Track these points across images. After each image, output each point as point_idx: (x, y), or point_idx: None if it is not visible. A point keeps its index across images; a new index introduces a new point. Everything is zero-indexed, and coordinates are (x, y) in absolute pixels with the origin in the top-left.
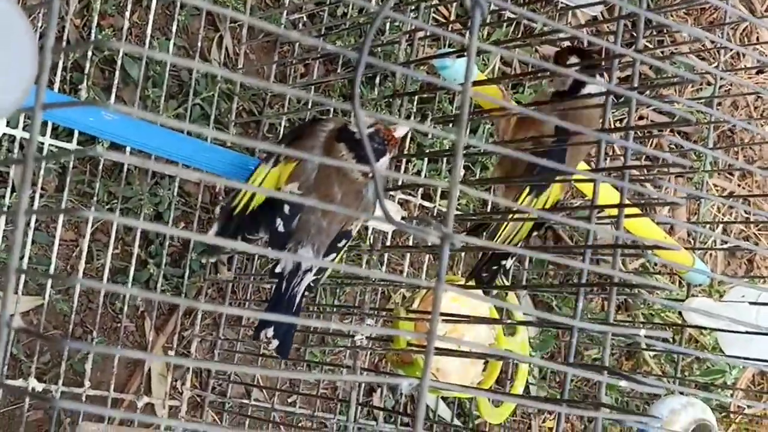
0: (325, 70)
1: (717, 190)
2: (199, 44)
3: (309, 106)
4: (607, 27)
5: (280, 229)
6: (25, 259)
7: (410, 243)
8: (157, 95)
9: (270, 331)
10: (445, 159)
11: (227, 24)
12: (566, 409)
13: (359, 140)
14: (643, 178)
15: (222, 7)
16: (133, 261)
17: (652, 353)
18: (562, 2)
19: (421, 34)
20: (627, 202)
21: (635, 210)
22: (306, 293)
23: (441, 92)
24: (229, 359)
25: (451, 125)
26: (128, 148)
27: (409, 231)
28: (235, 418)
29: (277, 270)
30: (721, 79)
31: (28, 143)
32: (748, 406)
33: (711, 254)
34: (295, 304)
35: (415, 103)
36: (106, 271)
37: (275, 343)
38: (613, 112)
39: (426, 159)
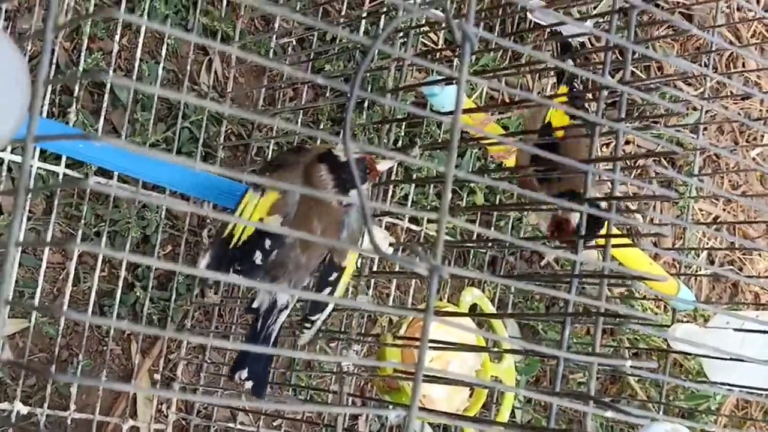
0: (314, 94)
1: (702, 215)
2: (189, 68)
3: (297, 131)
4: (595, 56)
5: (258, 262)
6: (12, 282)
7: (398, 268)
8: (145, 118)
9: (244, 373)
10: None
11: (216, 49)
12: None
13: (341, 164)
14: (628, 207)
15: (212, 29)
16: (120, 284)
17: (636, 378)
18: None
19: (409, 60)
20: (614, 231)
21: (622, 239)
22: (293, 330)
23: (429, 118)
24: (215, 383)
25: (439, 151)
26: (116, 174)
27: (397, 262)
28: None
29: (254, 305)
30: (706, 105)
31: (20, 174)
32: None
33: (696, 278)
34: (270, 343)
35: (404, 127)
36: (93, 294)
37: (249, 384)
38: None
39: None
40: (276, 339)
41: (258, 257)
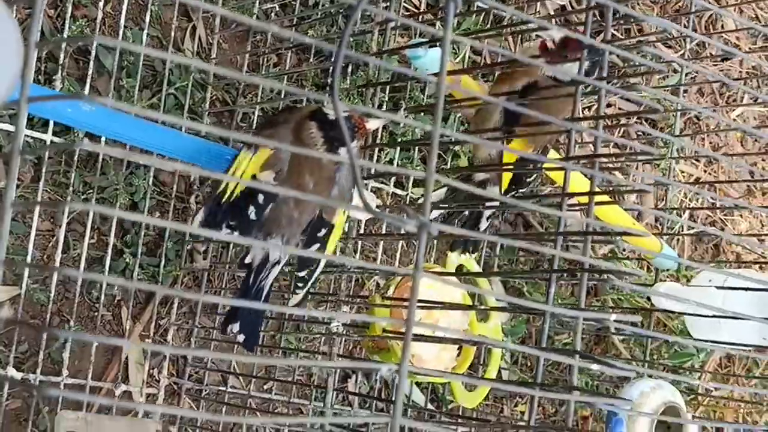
0: (297, 60)
1: (684, 176)
2: (173, 34)
3: (282, 96)
4: (576, 17)
5: (252, 217)
6: (4, 244)
7: (384, 231)
8: (131, 85)
9: (236, 326)
10: (417, 147)
11: (200, 14)
12: (540, 392)
13: (330, 121)
14: (611, 166)
15: None
16: (109, 251)
17: (621, 337)
18: None
19: (393, 23)
20: (597, 189)
21: (605, 197)
22: (286, 285)
23: (413, 81)
24: (206, 347)
25: (423, 114)
26: (104, 139)
27: (387, 220)
28: (211, 405)
29: (247, 260)
30: (687, 66)
31: (14, 136)
32: (716, 389)
33: (678, 239)
34: (263, 296)
35: (388, 91)
36: (83, 260)
37: (241, 337)
38: (582, 100)
39: (399, 147)
40: (268, 293)
41: (252, 212)
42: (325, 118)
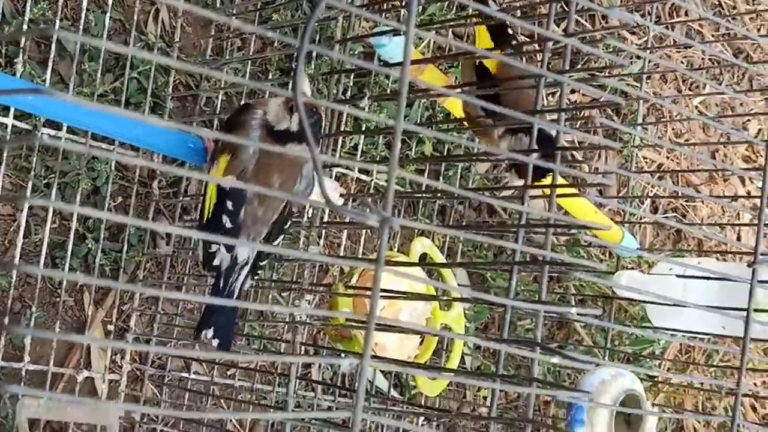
0: (262, 44)
1: (647, 163)
2: (135, 17)
3: (246, 78)
4: (540, 9)
5: (228, 225)
6: None
7: (348, 219)
8: (93, 69)
9: (210, 332)
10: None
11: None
12: (500, 385)
13: (294, 132)
14: (573, 157)
15: None
16: (72, 236)
17: (583, 324)
18: None
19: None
20: (560, 181)
21: (568, 188)
22: (249, 283)
23: (377, 70)
24: (169, 332)
25: (388, 102)
26: (66, 126)
27: (349, 215)
28: (174, 392)
29: (215, 263)
30: (649, 56)
31: None
32: (675, 375)
33: (640, 226)
34: (233, 299)
35: (352, 77)
36: (45, 246)
37: (216, 342)
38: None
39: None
40: (239, 296)
41: (227, 221)
42: (287, 132)
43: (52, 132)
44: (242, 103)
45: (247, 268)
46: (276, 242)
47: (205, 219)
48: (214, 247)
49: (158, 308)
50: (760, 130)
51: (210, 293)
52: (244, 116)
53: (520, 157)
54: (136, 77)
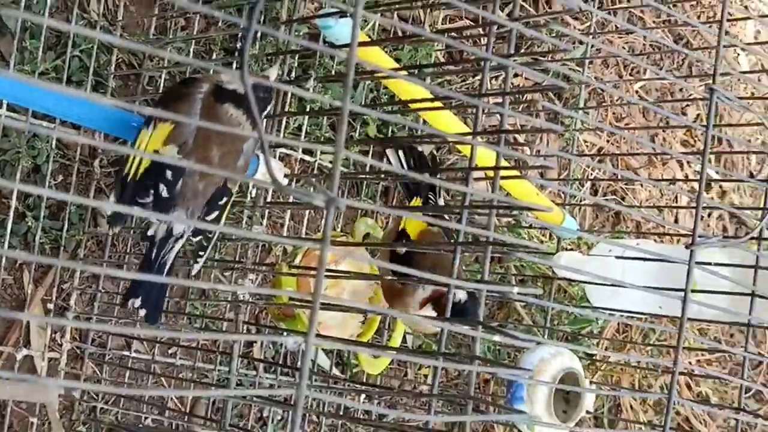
0: (206, 23)
1: (587, 146)
2: None
3: (190, 57)
4: None
5: (164, 194)
6: None
7: (293, 199)
8: (35, 46)
9: (137, 302)
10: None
11: None
12: (442, 363)
13: (241, 96)
14: (516, 140)
15: None
16: (11, 214)
17: (523, 303)
18: None
19: None
20: (503, 163)
21: (510, 171)
22: (198, 267)
23: (323, 51)
24: (109, 311)
25: (333, 83)
26: (5, 103)
27: (295, 195)
28: (115, 370)
29: (149, 233)
30: (591, 41)
31: None
32: (613, 354)
33: (580, 208)
34: (165, 270)
35: (297, 58)
36: None
37: (143, 312)
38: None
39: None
40: (171, 267)
41: (164, 190)
42: (234, 94)
43: None
44: (188, 76)
45: (182, 241)
46: (210, 218)
47: (130, 176)
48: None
49: (99, 287)
50: (698, 115)
51: (141, 262)
52: (189, 89)
53: (440, 324)
54: (78, 55)
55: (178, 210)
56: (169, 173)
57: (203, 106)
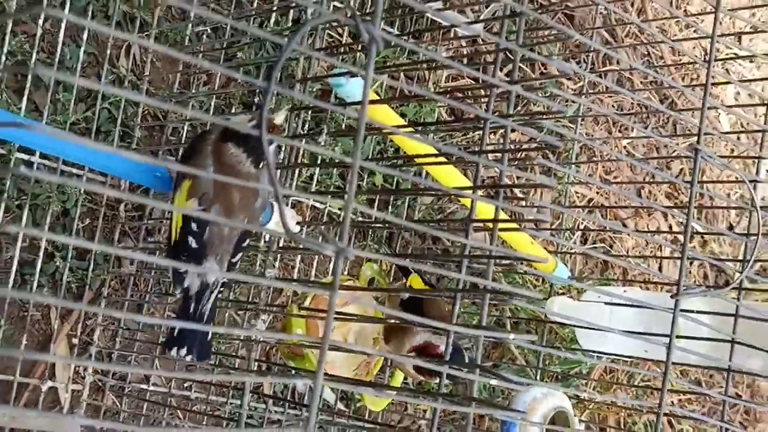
0: (226, 80)
1: (578, 197)
2: (108, 52)
3: (210, 113)
4: (485, 57)
5: (194, 246)
6: None
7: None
8: (67, 99)
9: (183, 351)
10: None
11: (136, 33)
12: (441, 404)
13: (244, 136)
14: (513, 193)
15: (132, 16)
16: (41, 254)
17: (517, 345)
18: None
19: (317, 56)
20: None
21: (508, 223)
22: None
23: (335, 111)
24: (130, 346)
25: (344, 137)
26: (38, 153)
27: (306, 245)
28: (134, 402)
29: (184, 284)
30: (583, 102)
31: None
32: (600, 394)
33: (571, 256)
34: (204, 321)
35: (310, 113)
36: (15, 264)
37: (190, 357)
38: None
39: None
40: (210, 315)
41: (192, 242)
42: (238, 134)
43: (26, 157)
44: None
45: (217, 290)
46: (235, 260)
47: (173, 241)
48: (182, 268)
49: (121, 324)
50: (681, 169)
51: (180, 315)
52: (201, 143)
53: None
54: (107, 107)
55: (209, 259)
56: (194, 225)
57: (213, 152)
